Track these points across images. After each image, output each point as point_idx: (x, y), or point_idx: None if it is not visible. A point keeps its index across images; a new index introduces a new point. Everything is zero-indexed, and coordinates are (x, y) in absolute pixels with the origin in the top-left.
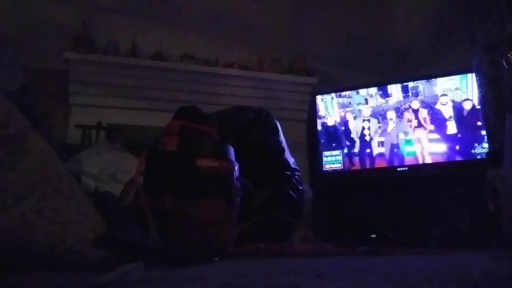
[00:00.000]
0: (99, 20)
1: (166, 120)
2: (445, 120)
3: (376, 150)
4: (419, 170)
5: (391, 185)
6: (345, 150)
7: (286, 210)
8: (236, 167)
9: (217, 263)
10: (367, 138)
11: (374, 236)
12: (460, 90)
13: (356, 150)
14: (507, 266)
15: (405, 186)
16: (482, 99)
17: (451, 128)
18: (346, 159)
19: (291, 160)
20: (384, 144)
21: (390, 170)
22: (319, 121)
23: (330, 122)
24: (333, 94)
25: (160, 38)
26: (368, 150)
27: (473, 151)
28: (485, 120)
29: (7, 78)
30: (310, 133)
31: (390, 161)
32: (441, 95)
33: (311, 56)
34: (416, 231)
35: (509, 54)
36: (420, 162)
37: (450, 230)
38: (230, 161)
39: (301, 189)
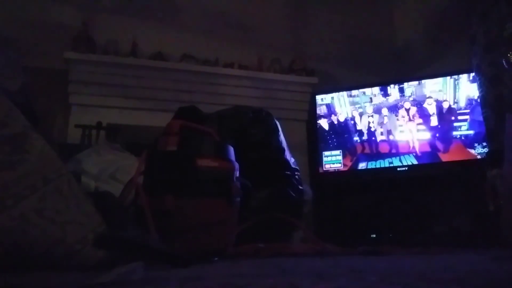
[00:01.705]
0: (99, 20)
1: (166, 120)
2: (430, 116)
3: (379, 138)
4: (419, 170)
5: (391, 185)
6: (356, 138)
7: (286, 210)
8: (236, 167)
9: (217, 263)
10: (372, 129)
11: (374, 236)
12: (442, 91)
13: (365, 138)
14: (507, 266)
15: (405, 186)
16: (482, 99)
17: (434, 121)
18: (359, 145)
19: (291, 160)
20: (384, 133)
21: (390, 170)
22: (334, 118)
23: (341, 118)
24: (344, 94)
25: (160, 38)
26: (373, 138)
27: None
28: (485, 120)
29: (7, 78)
30: (310, 133)
31: (390, 145)
32: (427, 97)
33: (311, 56)
34: (416, 231)
35: (509, 54)
36: (411, 147)
37: (450, 230)
38: (230, 161)
39: (301, 189)
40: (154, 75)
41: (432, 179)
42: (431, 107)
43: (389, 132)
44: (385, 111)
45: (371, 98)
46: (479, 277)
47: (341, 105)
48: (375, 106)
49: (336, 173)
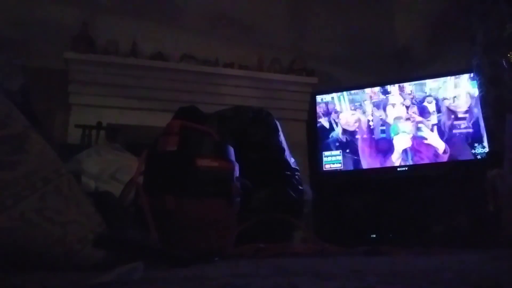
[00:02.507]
0: (99, 20)
1: (166, 120)
2: (430, 114)
3: (379, 136)
4: (419, 169)
5: (391, 185)
6: (358, 136)
7: (286, 210)
8: (236, 167)
9: (217, 263)
10: (371, 127)
11: (374, 236)
12: (442, 89)
13: (365, 136)
14: (507, 266)
15: (405, 186)
16: (482, 99)
17: (433, 119)
18: (359, 143)
19: (291, 160)
20: (385, 131)
21: (390, 170)
22: (335, 115)
23: (342, 117)
24: (344, 93)
25: (160, 38)
26: (373, 136)
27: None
28: (485, 120)
29: (7, 78)
30: (310, 133)
31: (390, 144)
32: (427, 96)
33: (311, 56)
34: (416, 231)
35: (509, 54)
36: (411, 145)
37: (450, 230)
38: (230, 161)
39: (301, 189)
40: (154, 75)
41: (432, 179)
42: (430, 106)
43: (389, 131)
44: (388, 108)
45: (370, 96)
46: (478, 277)
47: (341, 104)
48: (375, 104)
49: (336, 173)
